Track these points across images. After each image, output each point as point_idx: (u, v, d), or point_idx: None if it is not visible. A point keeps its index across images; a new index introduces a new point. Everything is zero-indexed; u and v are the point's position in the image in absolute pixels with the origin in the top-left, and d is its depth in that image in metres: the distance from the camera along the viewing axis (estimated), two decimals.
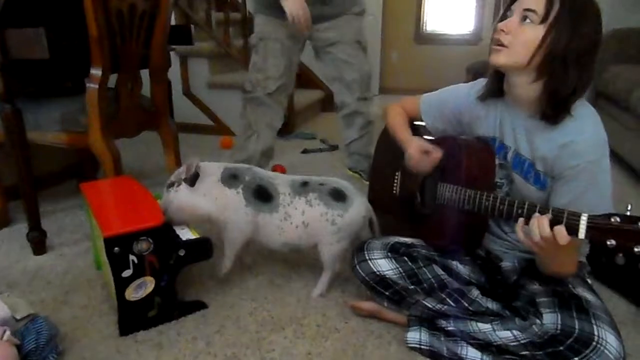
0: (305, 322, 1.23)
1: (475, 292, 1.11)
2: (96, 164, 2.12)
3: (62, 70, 1.73)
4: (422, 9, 5.32)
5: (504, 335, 1.00)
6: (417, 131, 1.29)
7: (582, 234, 0.79)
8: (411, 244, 1.18)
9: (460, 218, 1.09)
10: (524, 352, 0.97)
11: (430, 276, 1.11)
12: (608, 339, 0.89)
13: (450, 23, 5.32)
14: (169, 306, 1.21)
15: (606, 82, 2.68)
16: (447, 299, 1.10)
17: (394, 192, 1.39)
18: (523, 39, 0.95)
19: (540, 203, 1.01)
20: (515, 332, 0.99)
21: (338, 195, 1.27)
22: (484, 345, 1.03)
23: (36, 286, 1.38)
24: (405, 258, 1.13)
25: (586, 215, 0.79)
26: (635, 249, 0.73)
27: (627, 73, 2.56)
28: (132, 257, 1.10)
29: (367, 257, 1.15)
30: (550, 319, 0.95)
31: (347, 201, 1.27)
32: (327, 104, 3.96)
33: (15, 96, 1.42)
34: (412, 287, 1.10)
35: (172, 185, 1.27)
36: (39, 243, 1.56)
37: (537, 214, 0.86)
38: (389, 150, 1.34)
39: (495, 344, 1.01)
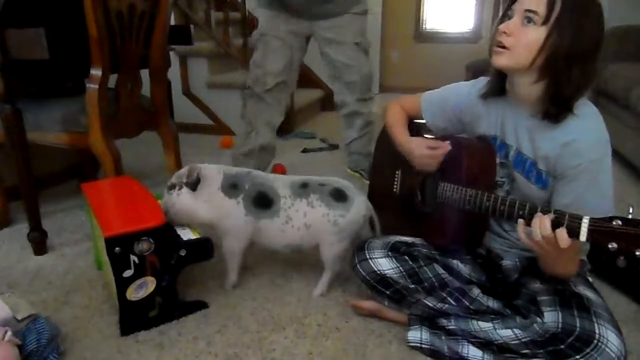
0: (306, 322, 1.23)
1: (476, 291, 1.11)
2: (96, 164, 2.12)
3: (62, 70, 1.73)
4: (421, 8, 5.32)
5: (505, 333, 1.00)
6: (417, 129, 1.29)
7: (583, 236, 0.79)
8: (412, 243, 1.18)
9: (461, 217, 1.09)
10: (525, 351, 0.97)
11: (431, 275, 1.11)
12: (609, 337, 0.89)
13: (450, 21, 5.32)
14: (170, 306, 1.21)
15: (606, 80, 2.68)
16: (448, 298, 1.10)
17: (395, 190, 1.39)
18: (525, 41, 0.94)
19: (542, 202, 1.02)
20: (516, 330, 0.99)
21: (339, 196, 1.27)
22: (485, 344, 1.03)
23: (37, 286, 1.38)
24: (406, 257, 1.13)
25: (588, 218, 0.79)
26: (637, 252, 0.73)
27: (627, 71, 2.55)
28: (133, 257, 1.10)
29: (367, 257, 1.15)
30: (551, 318, 0.95)
31: (348, 201, 1.27)
32: (327, 103, 3.96)
33: (16, 96, 1.42)
34: (413, 286, 1.10)
35: (173, 187, 1.27)
36: (39, 243, 1.56)
37: (539, 214, 0.86)
38: (389, 149, 1.34)
39: (496, 342, 1.01)
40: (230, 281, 1.36)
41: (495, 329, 1.02)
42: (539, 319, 0.97)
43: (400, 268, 1.11)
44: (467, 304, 1.09)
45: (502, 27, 0.97)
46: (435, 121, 1.26)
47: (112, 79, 1.50)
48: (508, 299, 1.10)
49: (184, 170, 1.27)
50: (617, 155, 2.37)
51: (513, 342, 0.99)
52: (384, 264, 1.13)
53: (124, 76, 1.56)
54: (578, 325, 0.92)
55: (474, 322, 1.06)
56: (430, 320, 1.13)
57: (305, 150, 2.88)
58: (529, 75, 0.98)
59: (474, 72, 3.18)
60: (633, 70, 2.54)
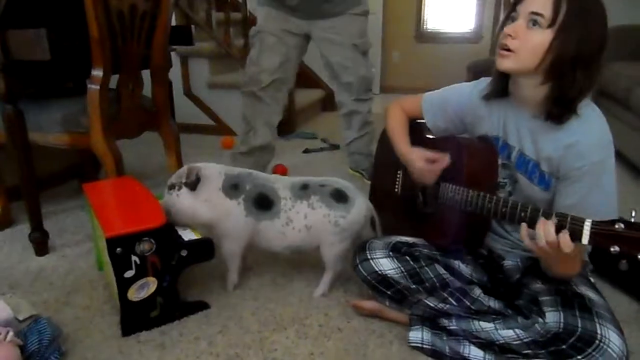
0: (308, 322, 1.23)
1: (477, 291, 1.11)
2: (98, 165, 2.12)
3: (63, 71, 1.73)
4: (422, 8, 5.31)
5: (507, 334, 1.00)
6: (420, 129, 1.29)
7: (585, 239, 0.79)
8: (413, 243, 1.18)
9: (463, 218, 1.09)
10: (526, 351, 0.97)
11: (432, 275, 1.11)
12: (611, 337, 0.89)
13: (451, 21, 5.31)
14: (171, 306, 1.21)
15: (606, 80, 2.67)
16: (449, 298, 1.10)
17: (396, 190, 1.39)
18: (531, 44, 0.93)
19: (544, 204, 1.02)
20: (517, 330, 0.99)
21: (340, 196, 1.27)
22: (486, 344, 1.03)
23: (38, 287, 1.38)
24: (407, 257, 1.13)
25: (590, 221, 0.79)
26: (639, 256, 0.73)
27: (628, 71, 2.55)
28: (134, 258, 1.10)
29: (369, 257, 1.15)
30: (552, 318, 0.95)
31: (349, 201, 1.27)
32: (328, 103, 3.96)
33: (17, 97, 1.42)
34: (414, 286, 1.10)
35: (173, 187, 1.26)
36: (41, 244, 1.56)
37: (542, 219, 0.86)
38: (390, 150, 1.34)
39: (497, 342, 1.01)
40: (230, 281, 1.36)
41: (496, 329, 1.02)
42: (540, 319, 0.97)
43: (402, 268, 1.11)
44: (469, 304, 1.09)
45: (507, 29, 0.95)
46: (436, 122, 1.25)
47: (113, 80, 1.50)
48: (509, 299, 1.09)
49: (183, 170, 1.27)
50: (617, 155, 2.36)
51: (514, 342, 0.98)
52: (385, 264, 1.12)
53: (125, 77, 1.56)
54: (580, 325, 0.92)
55: (476, 322, 1.06)
56: (431, 320, 1.13)
57: (306, 151, 2.88)
58: (534, 77, 0.97)
59: (475, 72, 3.18)
60: (634, 70, 2.53)
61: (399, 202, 1.37)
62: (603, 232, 0.77)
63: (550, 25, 0.91)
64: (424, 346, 1.09)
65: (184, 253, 1.17)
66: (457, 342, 1.06)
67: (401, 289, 1.11)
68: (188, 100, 3.27)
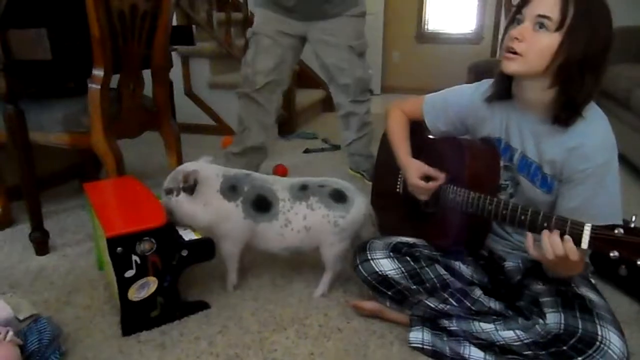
0: (308, 322, 1.23)
1: (477, 292, 1.11)
2: (98, 164, 2.11)
3: (64, 71, 1.74)
4: (423, 8, 5.32)
5: (507, 335, 1.00)
6: (421, 130, 1.29)
7: (585, 244, 0.79)
8: (413, 243, 1.18)
9: (464, 219, 1.09)
10: (527, 352, 0.97)
11: (432, 276, 1.11)
12: (611, 338, 0.89)
13: (452, 22, 5.32)
14: (172, 306, 1.21)
15: (607, 81, 2.66)
16: (450, 299, 1.10)
17: (398, 191, 1.39)
18: (538, 47, 0.91)
19: (546, 206, 1.01)
20: (518, 331, 0.99)
21: (339, 196, 1.27)
22: (486, 345, 1.03)
23: (39, 286, 1.38)
24: (408, 258, 1.13)
25: (589, 225, 0.79)
26: (639, 262, 0.73)
27: (629, 72, 2.55)
28: (134, 258, 1.10)
29: (369, 257, 1.15)
30: (553, 319, 0.95)
31: (348, 201, 1.27)
32: (328, 103, 3.94)
33: (18, 97, 1.43)
34: (415, 287, 1.10)
35: (170, 192, 1.25)
36: (41, 243, 1.56)
37: (546, 231, 0.85)
38: (392, 150, 1.34)
39: (498, 343, 1.01)
40: (230, 282, 1.36)
41: (497, 330, 1.02)
42: (541, 320, 0.97)
43: (402, 269, 1.11)
44: (469, 305, 1.09)
45: (513, 32, 0.93)
46: (437, 124, 1.24)
47: (114, 79, 1.50)
48: (510, 300, 1.09)
49: (178, 173, 1.25)
50: (620, 157, 2.36)
51: (515, 343, 0.98)
52: (386, 265, 1.12)
53: (126, 76, 1.56)
54: (580, 326, 0.92)
55: (476, 323, 1.06)
56: (431, 321, 1.13)
57: (307, 151, 2.88)
58: (540, 81, 0.95)
59: (476, 73, 3.17)
60: (635, 71, 2.53)
61: (400, 202, 1.37)
62: (603, 237, 0.77)
63: (558, 29, 0.89)
64: (425, 347, 1.09)
65: (184, 253, 1.17)
66: (458, 343, 1.06)
67: (402, 290, 1.11)
68: (189, 100, 3.27)
